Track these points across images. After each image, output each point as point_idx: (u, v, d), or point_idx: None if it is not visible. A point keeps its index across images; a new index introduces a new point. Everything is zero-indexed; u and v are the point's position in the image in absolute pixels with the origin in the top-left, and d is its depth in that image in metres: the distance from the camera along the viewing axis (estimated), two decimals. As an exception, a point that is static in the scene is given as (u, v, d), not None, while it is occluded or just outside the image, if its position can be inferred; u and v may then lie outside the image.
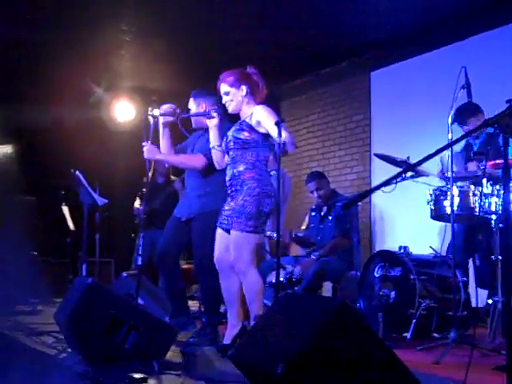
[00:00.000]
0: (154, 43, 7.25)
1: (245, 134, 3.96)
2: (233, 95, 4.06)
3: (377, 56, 7.52)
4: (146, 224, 6.86)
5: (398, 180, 4.00)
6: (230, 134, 4.06)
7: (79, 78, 7.63)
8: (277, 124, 3.66)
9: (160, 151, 4.65)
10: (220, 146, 4.17)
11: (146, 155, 4.57)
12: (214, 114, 4.15)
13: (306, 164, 8.51)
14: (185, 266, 9.06)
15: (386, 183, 2.50)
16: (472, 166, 4.88)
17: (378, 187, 2.58)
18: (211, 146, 4.23)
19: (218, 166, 4.28)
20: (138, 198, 7.17)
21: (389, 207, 7.09)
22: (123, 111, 8.51)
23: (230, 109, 4.12)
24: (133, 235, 7.34)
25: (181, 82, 5.08)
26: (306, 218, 6.25)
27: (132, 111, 8.62)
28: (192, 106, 4.84)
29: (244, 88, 4.05)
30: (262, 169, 3.97)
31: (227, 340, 3.96)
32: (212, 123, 4.18)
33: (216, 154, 4.22)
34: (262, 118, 3.90)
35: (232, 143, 4.01)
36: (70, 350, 3.88)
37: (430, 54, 6.89)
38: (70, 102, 7.71)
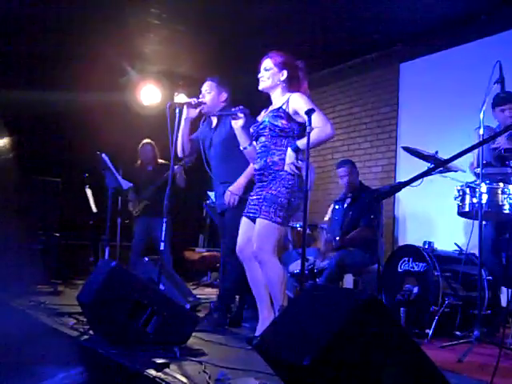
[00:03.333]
0: (183, 28, 7.22)
1: (282, 122, 3.88)
2: (272, 74, 3.99)
3: (407, 48, 7.44)
4: (143, 211, 6.92)
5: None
6: (265, 119, 3.97)
7: (107, 59, 7.63)
8: (307, 113, 3.61)
9: (238, 186, 4.59)
10: (251, 144, 4.11)
11: (232, 201, 4.56)
12: (241, 115, 4.05)
13: (331, 155, 8.46)
14: (205, 254, 9.13)
15: (419, 177, 2.46)
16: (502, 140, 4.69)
17: (411, 181, 2.54)
18: (242, 147, 4.15)
19: (252, 161, 4.21)
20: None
21: (413, 202, 7.02)
22: (149, 95, 8.50)
23: (262, 86, 4.04)
24: (126, 221, 7.37)
25: (209, 68, 5.06)
26: (329, 210, 6.20)
27: (158, 95, 8.61)
28: (212, 90, 4.81)
29: (285, 73, 3.99)
30: (301, 159, 3.87)
31: (258, 332, 3.89)
32: (237, 124, 4.07)
33: (250, 153, 4.14)
34: (299, 106, 3.83)
35: (267, 130, 3.93)
36: (91, 332, 3.90)
37: (461, 48, 6.79)
38: (96, 85, 7.70)
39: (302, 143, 3.78)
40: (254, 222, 3.92)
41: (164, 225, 4.44)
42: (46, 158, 8.05)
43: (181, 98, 7.94)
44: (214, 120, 4.91)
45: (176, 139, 4.60)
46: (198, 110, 4.70)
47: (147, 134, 7.23)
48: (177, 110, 4.50)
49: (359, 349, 2.00)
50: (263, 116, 4.05)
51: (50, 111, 7.74)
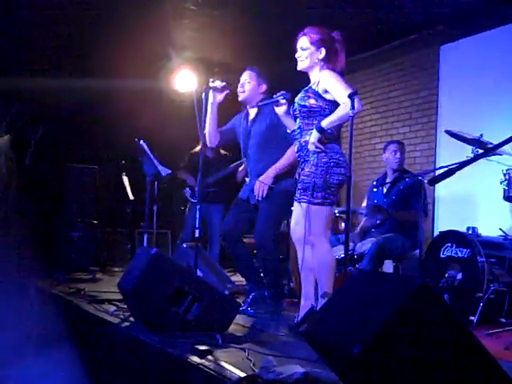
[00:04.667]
0: (220, 14, 7.15)
1: (310, 102, 3.82)
2: (309, 54, 3.90)
3: (447, 29, 7.25)
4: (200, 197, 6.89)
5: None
6: (296, 100, 3.92)
7: (143, 47, 7.60)
8: (350, 96, 3.52)
9: (267, 176, 4.59)
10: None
11: (260, 192, 4.56)
12: (283, 101, 3.98)
13: (368, 140, 8.33)
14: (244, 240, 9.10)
15: (471, 161, 2.39)
16: None
17: (465, 164, 2.46)
18: (291, 130, 4.08)
19: None
20: (183, 169, 7.14)
21: (455, 185, 6.86)
22: (185, 82, 8.46)
23: (300, 66, 3.96)
24: (182, 208, 7.36)
25: (245, 56, 4.99)
26: (366, 196, 6.10)
27: (194, 82, 8.57)
28: (252, 79, 4.78)
29: (323, 51, 3.89)
30: (330, 137, 3.79)
31: (299, 319, 3.85)
32: (281, 110, 4.01)
33: None
34: (329, 84, 3.74)
35: (298, 111, 3.89)
36: (132, 319, 3.90)
37: (503, 28, 6.57)
38: (133, 72, 7.69)
39: (325, 123, 3.70)
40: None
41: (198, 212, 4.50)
42: (83, 146, 8.10)
43: (216, 84, 7.93)
44: (252, 112, 4.88)
45: (204, 125, 4.61)
46: (224, 94, 4.68)
47: (183, 121, 7.19)
48: (203, 95, 4.49)
49: (411, 336, 1.94)
50: (297, 98, 3.98)
51: (86, 99, 7.77)
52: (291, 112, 4.00)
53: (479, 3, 6.59)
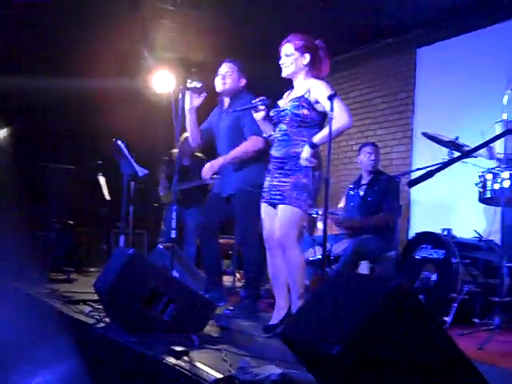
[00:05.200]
0: (198, 14, 7.15)
1: (304, 112, 3.82)
2: (294, 59, 3.91)
3: (424, 33, 7.31)
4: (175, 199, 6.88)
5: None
6: (286, 107, 3.89)
7: (122, 47, 7.57)
8: (329, 98, 3.55)
9: (217, 161, 4.71)
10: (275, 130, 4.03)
11: (206, 175, 4.67)
12: (262, 107, 3.96)
13: (345, 142, 8.36)
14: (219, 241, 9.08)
15: (450, 163, 2.42)
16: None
17: (444, 166, 2.49)
18: (267, 135, 4.08)
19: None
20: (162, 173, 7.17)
21: (429, 187, 6.91)
22: (163, 82, 8.43)
23: (285, 72, 3.96)
24: (156, 204, 7.37)
25: (224, 55, 4.99)
26: (343, 198, 6.13)
27: (172, 82, 8.53)
28: (233, 73, 4.78)
29: (307, 57, 3.91)
30: (319, 150, 3.84)
31: (274, 321, 3.89)
32: (259, 116, 3.99)
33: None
34: (321, 94, 3.77)
35: (288, 119, 3.86)
36: (108, 319, 3.87)
37: (479, 32, 6.64)
38: (110, 72, 7.65)
39: (318, 138, 3.75)
40: (275, 208, 3.87)
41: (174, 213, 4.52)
42: (59, 145, 8.03)
43: (194, 85, 7.91)
44: (227, 101, 4.89)
45: (180, 127, 4.63)
46: (201, 99, 4.68)
47: (160, 122, 7.19)
48: (180, 96, 4.49)
49: (388, 337, 1.95)
50: (285, 102, 3.98)
51: (63, 99, 7.71)
52: (273, 113, 3.98)
53: (455, 7, 6.65)
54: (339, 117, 3.67)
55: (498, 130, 4.23)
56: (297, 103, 3.84)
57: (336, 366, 1.93)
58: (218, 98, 4.95)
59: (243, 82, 4.84)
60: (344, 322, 1.98)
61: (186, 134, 6.89)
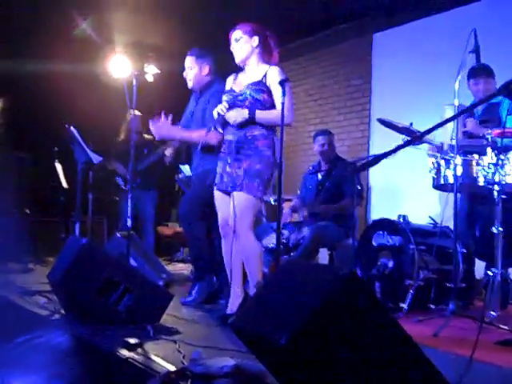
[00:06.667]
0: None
1: (264, 96, 3.84)
2: (244, 42, 3.94)
3: (380, 18, 7.34)
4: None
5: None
6: (246, 91, 3.88)
7: (75, 29, 7.45)
8: (281, 83, 3.55)
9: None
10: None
11: (158, 135, 4.52)
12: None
13: (303, 128, 8.37)
14: (178, 229, 9.04)
15: (398, 149, 2.41)
16: (470, 124, 4.76)
17: (391, 152, 2.48)
18: (213, 128, 4.05)
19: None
20: (113, 158, 7.02)
21: (386, 174, 6.99)
22: (119, 67, 8.30)
23: (237, 57, 3.99)
24: (116, 198, 7.26)
25: (181, 39, 4.91)
26: (299, 184, 6.12)
27: (128, 67, 8.41)
28: (193, 65, 4.72)
29: (256, 39, 3.94)
30: (275, 135, 3.87)
31: (230, 310, 3.86)
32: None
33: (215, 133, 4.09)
34: (273, 80, 3.79)
35: (247, 102, 3.85)
36: (62, 311, 3.82)
37: (435, 17, 6.71)
38: (66, 56, 7.51)
39: (261, 115, 3.80)
40: (228, 195, 3.86)
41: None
42: (13, 132, 7.85)
43: (151, 69, 7.82)
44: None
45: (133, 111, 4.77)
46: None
47: (116, 107, 7.06)
48: (134, 82, 4.44)
49: (339, 329, 1.94)
50: (242, 86, 3.95)
51: (16, 83, 7.54)
52: (227, 98, 3.95)
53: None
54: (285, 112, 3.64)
55: (448, 112, 4.25)
56: (257, 87, 3.85)
57: (285, 355, 1.92)
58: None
59: (206, 69, 4.76)
60: (293, 312, 1.97)
61: (131, 112, 6.86)
